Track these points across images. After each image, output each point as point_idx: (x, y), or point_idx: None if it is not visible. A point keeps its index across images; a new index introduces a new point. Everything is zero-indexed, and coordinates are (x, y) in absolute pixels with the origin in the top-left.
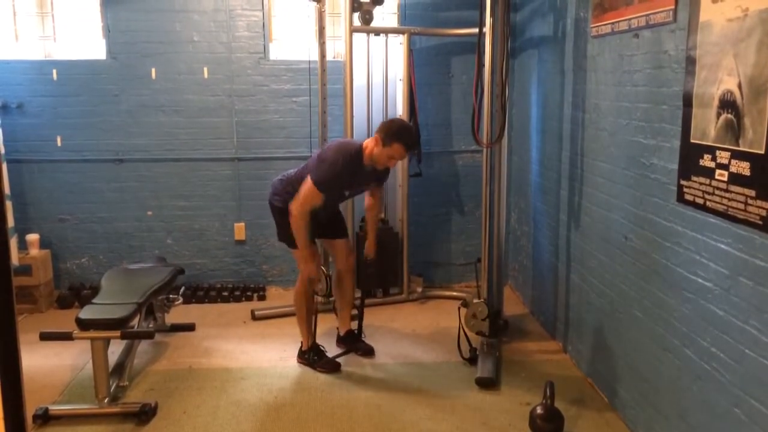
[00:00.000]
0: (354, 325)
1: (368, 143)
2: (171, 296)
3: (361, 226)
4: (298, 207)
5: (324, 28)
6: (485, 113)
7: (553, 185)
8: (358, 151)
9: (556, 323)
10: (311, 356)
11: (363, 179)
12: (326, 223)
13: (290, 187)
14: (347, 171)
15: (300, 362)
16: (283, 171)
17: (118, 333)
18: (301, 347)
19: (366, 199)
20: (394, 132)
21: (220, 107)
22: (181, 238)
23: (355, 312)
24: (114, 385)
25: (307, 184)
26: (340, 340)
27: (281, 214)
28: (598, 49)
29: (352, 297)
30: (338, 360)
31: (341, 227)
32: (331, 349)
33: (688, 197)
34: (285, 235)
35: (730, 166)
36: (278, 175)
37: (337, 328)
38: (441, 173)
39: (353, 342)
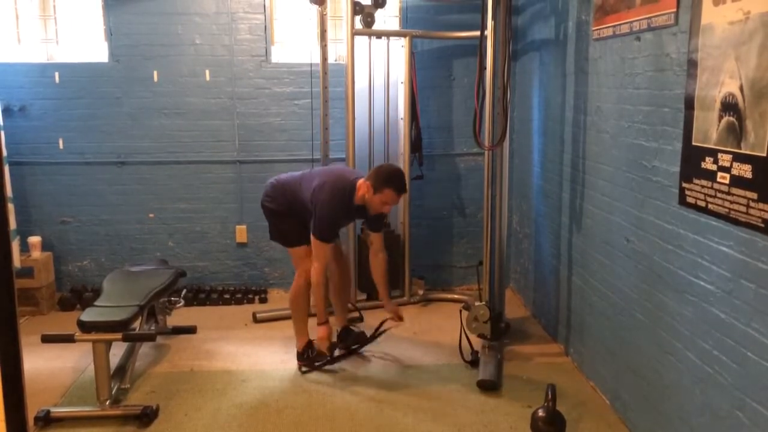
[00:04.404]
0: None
1: (361, 185)
2: (172, 299)
3: (362, 229)
4: (315, 274)
5: (326, 31)
6: (487, 116)
7: (554, 188)
8: (351, 191)
9: (557, 326)
10: (308, 354)
11: (357, 214)
12: None
13: (280, 192)
14: (343, 212)
15: (301, 364)
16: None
17: (119, 335)
18: (297, 349)
19: (371, 258)
20: (383, 179)
21: (221, 110)
22: (183, 241)
23: (355, 314)
24: (115, 387)
25: (315, 244)
26: (337, 338)
27: (272, 214)
28: (599, 51)
29: (348, 294)
30: (336, 355)
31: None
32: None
33: (689, 200)
34: (277, 233)
35: (732, 169)
36: (271, 178)
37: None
38: (442, 176)
39: (347, 336)
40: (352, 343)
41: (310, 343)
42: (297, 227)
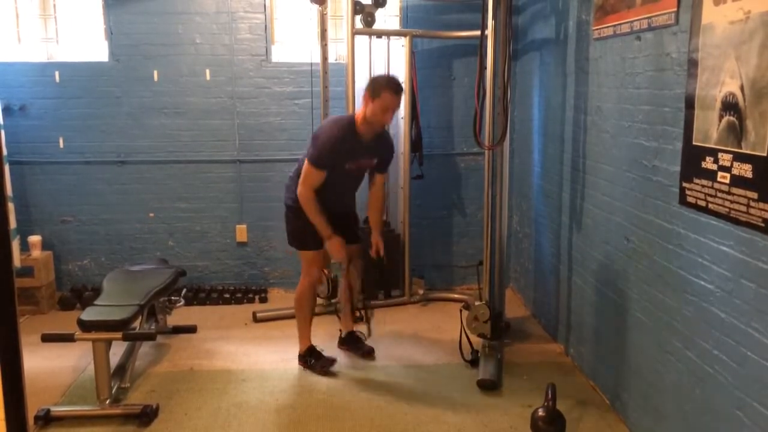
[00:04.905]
0: (355, 326)
1: (359, 110)
2: (173, 298)
3: (363, 228)
4: (301, 189)
5: (326, 30)
6: (487, 116)
7: (554, 187)
8: (351, 121)
9: (557, 325)
10: (309, 360)
11: (363, 152)
12: (338, 225)
13: (295, 182)
14: (343, 143)
15: (301, 365)
16: (288, 171)
17: (119, 335)
18: (299, 351)
19: (369, 192)
20: (377, 84)
21: (221, 109)
22: (183, 240)
23: (357, 314)
24: (115, 386)
25: (306, 164)
26: (342, 342)
27: (287, 210)
28: (600, 51)
29: (356, 298)
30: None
31: (352, 232)
32: (332, 351)
33: (690, 199)
34: (291, 233)
35: (732, 169)
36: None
37: (340, 330)
38: (443, 176)
39: (354, 343)
40: (353, 349)
41: (312, 348)
42: (310, 227)
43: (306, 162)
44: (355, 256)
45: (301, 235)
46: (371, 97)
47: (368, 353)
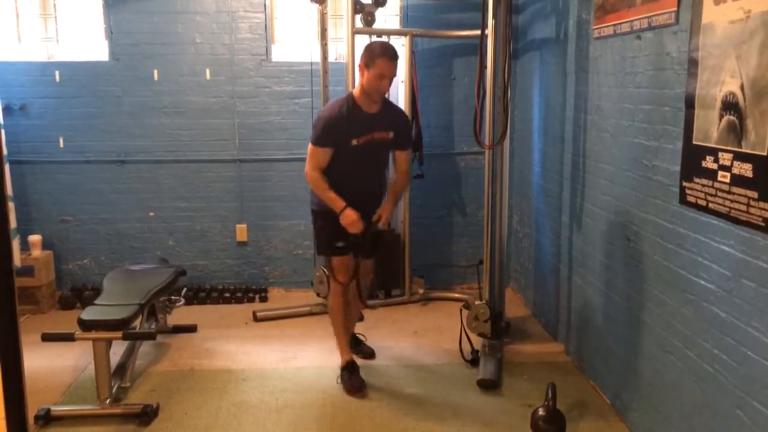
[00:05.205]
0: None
1: (357, 86)
2: (173, 297)
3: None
4: (306, 168)
5: (326, 29)
6: (487, 115)
7: (555, 187)
8: (349, 96)
9: (558, 325)
10: (343, 373)
11: (370, 126)
12: (362, 237)
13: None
14: (341, 117)
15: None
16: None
17: (119, 334)
18: (340, 363)
19: (394, 175)
20: (370, 51)
21: (222, 109)
22: (183, 240)
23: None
24: (116, 386)
25: (309, 149)
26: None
27: (312, 215)
28: (600, 50)
29: (359, 310)
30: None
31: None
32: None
33: (690, 199)
34: (319, 242)
35: (733, 168)
36: None
37: None
38: (443, 175)
39: (355, 345)
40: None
41: (349, 364)
42: (332, 231)
43: (309, 146)
44: (369, 274)
45: (324, 238)
46: (366, 66)
47: (369, 355)
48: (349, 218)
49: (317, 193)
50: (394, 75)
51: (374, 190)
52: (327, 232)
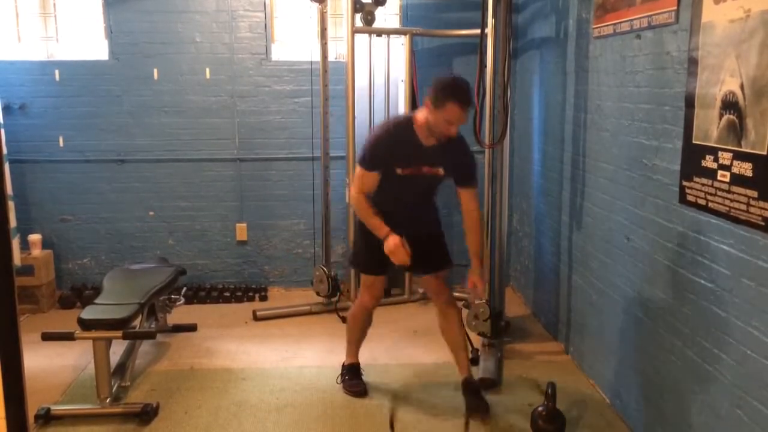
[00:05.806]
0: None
1: (420, 112)
2: (173, 297)
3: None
4: (351, 191)
5: (326, 29)
6: (487, 114)
7: (554, 186)
8: (409, 121)
9: (557, 324)
10: (345, 374)
11: (421, 158)
12: (417, 252)
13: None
14: (393, 143)
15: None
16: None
17: (119, 333)
18: (344, 361)
19: (463, 216)
20: (441, 90)
21: (222, 108)
22: (183, 239)
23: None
24: (116, 385)
25: (357, 170)
26: (461, 387)
27: (360, 227)
28: (600, 50)
29: (464, 336)
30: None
31: (438, 255)
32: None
33: (690, 198)
34: (356, 256)
35: (732, 167)
36: None
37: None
38: None
39: (471, 394)
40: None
41: (352, 366)
42: (371, 250)
43: (357, 167)
44: (444, 290)
45: (362, 256)
46: (434, 105)
47: (483, 411)
48: (393, 245)
49: (360, 218)
50: (464, 122)
51: (422, 216)
52: (370, 251)
